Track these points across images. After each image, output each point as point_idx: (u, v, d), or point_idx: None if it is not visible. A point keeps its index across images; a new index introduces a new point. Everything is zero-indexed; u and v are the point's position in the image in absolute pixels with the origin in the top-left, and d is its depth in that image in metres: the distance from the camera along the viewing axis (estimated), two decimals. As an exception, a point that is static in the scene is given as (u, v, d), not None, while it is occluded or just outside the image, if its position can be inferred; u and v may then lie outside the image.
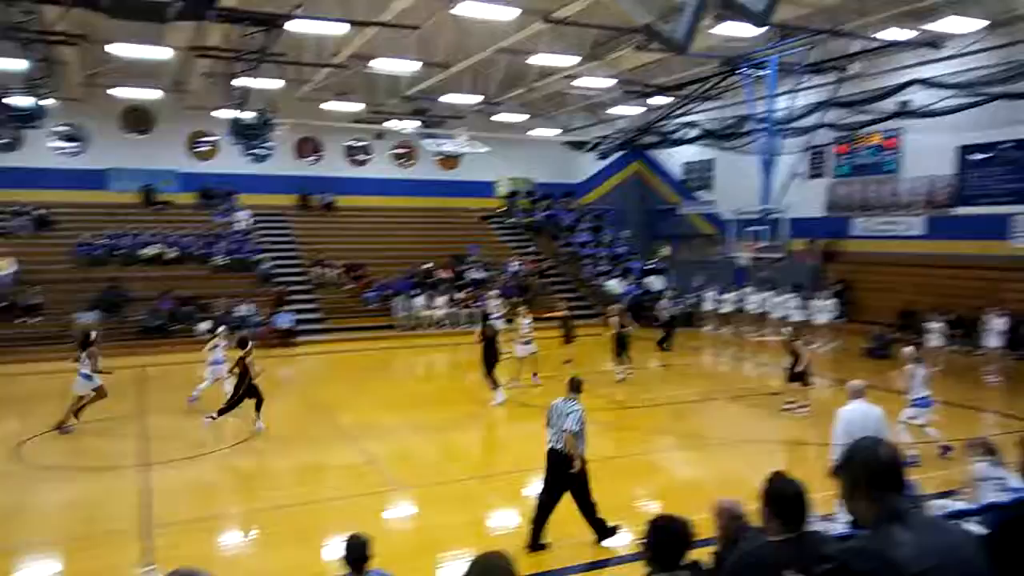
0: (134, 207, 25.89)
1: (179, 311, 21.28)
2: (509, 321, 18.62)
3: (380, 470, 9.99)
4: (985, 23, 15.33)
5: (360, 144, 29.85)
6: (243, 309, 21.69)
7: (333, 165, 29.48)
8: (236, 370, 11.94)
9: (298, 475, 10.09)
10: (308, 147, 29.11)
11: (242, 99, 20.99)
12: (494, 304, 22.17)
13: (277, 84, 21.13)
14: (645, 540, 3.38)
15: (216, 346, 13.71)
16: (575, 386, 7.53)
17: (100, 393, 12.21)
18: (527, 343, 15.05)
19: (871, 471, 2.19)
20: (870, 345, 18.64)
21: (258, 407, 11.80)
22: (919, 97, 18.34)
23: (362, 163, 30.13)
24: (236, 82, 19.89)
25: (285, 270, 24.65)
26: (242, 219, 26.19)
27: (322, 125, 26.31)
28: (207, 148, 27.75)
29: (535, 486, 9.78)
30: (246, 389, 11.75)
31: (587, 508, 7.26)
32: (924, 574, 1.92)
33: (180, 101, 24.81)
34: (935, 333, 16.56)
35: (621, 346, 15.74)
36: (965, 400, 13.59)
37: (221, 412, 11.74)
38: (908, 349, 10.46)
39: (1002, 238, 18.79)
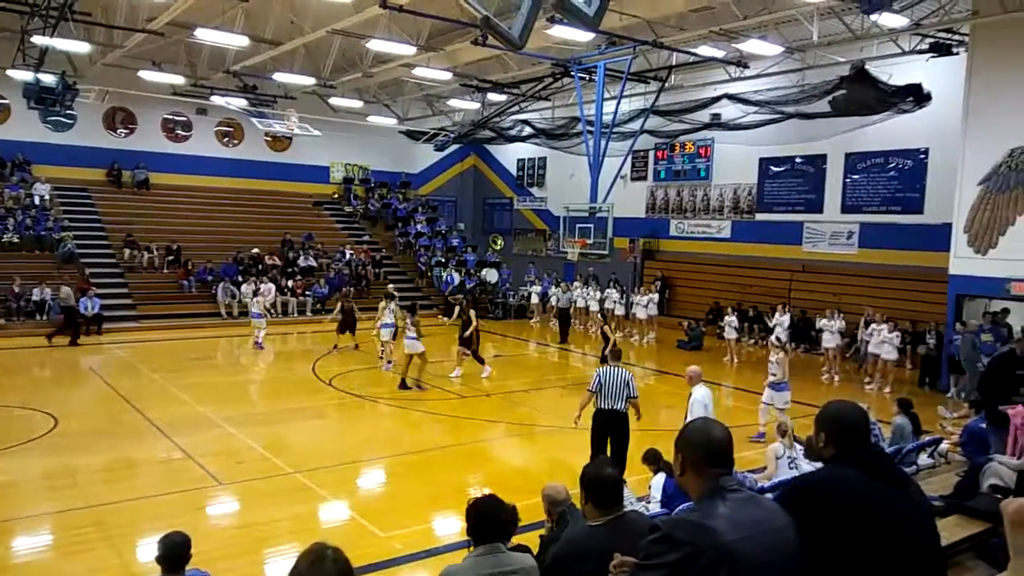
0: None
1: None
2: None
3: (198, 465, 9.46)
4: (782, 48, 17.08)
5: (180, 119, 27.76)
6: (39, 292, 19.61)
7: (149, 139, 27.08)
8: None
9: (105, 472, 9.32)
10: (120, 118, 26.63)
11: (40, 59, 18.81)
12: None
13: (83, 47, 19.12)
14: (466, 522, 3.49)
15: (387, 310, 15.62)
16: (616, 355, 8.97)
17: None
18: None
19: (702, 449, 2.36)
20: (682, 338, 20.29)
21: None
22: (728, 111, 20.07)
23: (182, 139, 28.03)
24: (33, 40, 17.79)
25: (91, 251, 22.50)
26: (40, 192, 23.55)
27: (137, 95, 24.16)
28: (-5, 111, 24.58)
29: (364, 477, 9.80)
30: None
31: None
32: (737, 542, 2.13)
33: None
34: (729, 327, 18.36)
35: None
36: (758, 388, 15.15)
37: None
38: (774, 339, 11.83)
39: (796, 243, 21.07)
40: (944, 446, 7.69)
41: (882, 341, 15.18)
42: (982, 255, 14.83)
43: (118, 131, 26.68)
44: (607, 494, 3.04)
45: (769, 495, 2.97)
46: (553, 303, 22.90)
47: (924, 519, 2.66)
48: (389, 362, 15.69)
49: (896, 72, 16.64)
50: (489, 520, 3.40)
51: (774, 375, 11.29)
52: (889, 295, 18.06)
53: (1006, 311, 14.54)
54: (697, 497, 2.30)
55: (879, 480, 2.55)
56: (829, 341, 16.38)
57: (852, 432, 2.64)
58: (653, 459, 7.19)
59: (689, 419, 8.23)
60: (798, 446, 7.93)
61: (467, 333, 15.16)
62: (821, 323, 16.75)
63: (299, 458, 9.86)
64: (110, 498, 8.29)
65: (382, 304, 16.07)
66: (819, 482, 2.65)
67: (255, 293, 20.63)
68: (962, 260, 15.15)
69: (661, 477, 6.86)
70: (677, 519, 2.41)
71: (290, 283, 23.67)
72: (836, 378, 16.14)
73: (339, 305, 18.78)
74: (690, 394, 8.55)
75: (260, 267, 23.77)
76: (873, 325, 15.63)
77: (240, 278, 22.65)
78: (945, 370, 15.20)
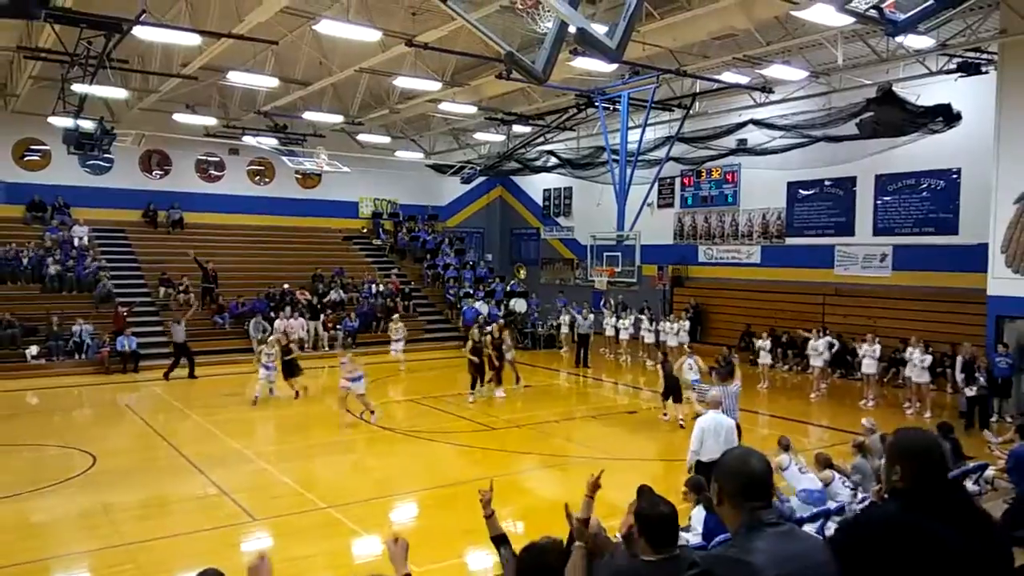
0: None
1: (3, 334, 19.34)
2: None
3: (232, 502, 9.51)
4: (807, 73, 17.03)
5: (213, 159, 28.44)
6: (78, 329, 20.06)
7: (183, 180, 27.79)
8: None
9: (142, 510, 9.40)
10: (155, 160, 27.36)
11: (80, 106, 19.46)
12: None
13: (120, 93, 19.76)
14: (516, 568, 3.45)
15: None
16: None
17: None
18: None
19: (739, 481, 2.30)
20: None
21: None
22: (754, 136, 20.02)
23: (215, 179, 28.69)
24: (74, 88, 18.43)
25: (127, 290, 22.99)
26: (79, 234, 24.19)
27: (171, 137, 24.84)
28: (38, 158, 25.40)
29: (397, 511, 9.76)
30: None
31: None
32: None
33: (6, 106, 22.66)
34: (764, 352, 18.08)
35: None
36: (792, 414, 14.88)
37: None
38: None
39: (827, 266, 20.79)
40: (990, 472, 7.46)
41: (915, 366, 14.87)
42: (1021, 275, 14.49)
43: (153, 173, 27.42)
44: (662, 533, 2.99)
45: (810, 525, 2.89)
46: (575, 328, 22.86)
47: (1001, 565, 2.46)
48: (372, 412, 14.29)
49: (925, 92, 16.48)
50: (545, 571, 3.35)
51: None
52: (925, 317, 17.70)
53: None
54: (735, 530, 2.25)
55: (952, 524, 2.36)
56: (869, 367, 16.03)
57: (932, 467, 2.44)
58: (696, 487, 6.96)
59: (695, 445, 8.27)
60: (801, 457, 8.48)
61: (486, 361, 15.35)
62: (861, 349, 16.33)
63: (331, 493, 9.87)
64: (145, 535, 8.35)
65: (349, 356, 14.49)
66: (884, 522, 2.45)
67: (265, 332, 20.71)
68: (1000, 281, 14.81)
69: (702, 511, 6.69)
70: (716, 555, 2.36)
71: (321, 317, 23.91)
72: (871, 404, 15.76)
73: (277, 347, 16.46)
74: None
75: (291, 301, 24.04)
76: (909, 349, 15.30)
77: (272, 314, 22.95)
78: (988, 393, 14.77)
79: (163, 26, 14.32)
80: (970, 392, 13.75)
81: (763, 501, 2.27)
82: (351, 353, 14.62)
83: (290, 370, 16.30)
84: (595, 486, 3.74)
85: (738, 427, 8.70)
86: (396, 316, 23.25)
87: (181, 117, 23.00)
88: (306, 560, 7.71)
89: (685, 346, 20.96)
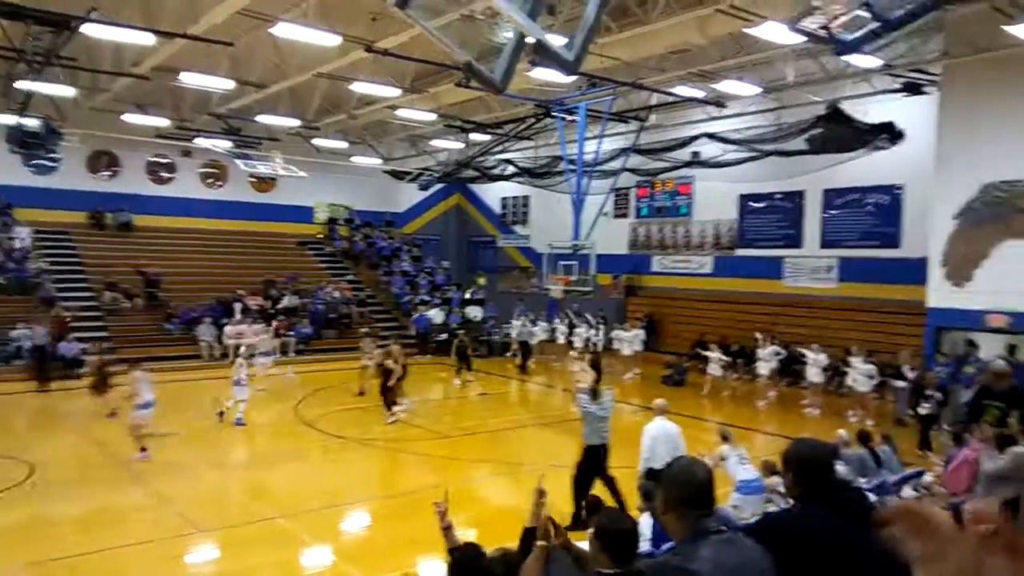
0: None
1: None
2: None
3: (177, 512, 9.28)
4: (759, 88, 17.48)
5: (164, 161, 27.80)
6: (18, 335, 19.39)
7: (132, 182, 27.07)
8: None
9: (82, 522, 9.11)
10: (103, 161, 26.62)
11: (24, 104, 18.86)
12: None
13: (68, 91, 19.21)
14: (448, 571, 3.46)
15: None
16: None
17: None
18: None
19: (685, 490, 2.36)
20: (666, 374, 20.29)
21: None
22: (708, 149, 20.42)
23: (166, 181, 28.04)
24: (18, 85, 17.85)
25: (72, 294, 22.30)
26: (20, 236, 23.38)
27: (120, 138, 24.21)
28: (-23, 156, 24.47)
29: (348, 521, 9.65)
30: None
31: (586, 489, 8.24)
32: None
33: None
34: (712, 363, 18.42)
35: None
36: (739, 421, 15.16)
37: None
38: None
39: (777, 277, 21.29)
40: (927, 478, 7.72)
41: (858, 375, 15.34)
42: (959, 288, 15.05)
43: (101, 173, 26.67)
44: (623, 548, 2.96)
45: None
46: (514, 335, 23.42)
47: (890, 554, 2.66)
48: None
49: (872, 110, 17.04)
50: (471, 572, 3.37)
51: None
52: (869, 328, 18.24)
53: (971, 343, 14.79)
54: (680, 538, 2.31)
55: (844, 518, 2.58)
56: (814, 376, 16.46)
57: (818, 471, 2.70)
58: (647, 495, 7.02)
59: (646, 453, 8.36)
60: (742, 448, 8.73)
61: (389, 383, 14.56)
62: (808, 357, 16.76)
63: (281, 502, 9.71)
64: (85, 548, 8.09)
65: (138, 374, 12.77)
66: (788, 521, 2.72)
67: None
68: (940, 293, 15.37)
69: (650, 518, 6.77)
70: (661, 563, 2.41)
71: (273, 323, 23.52)
72: (817, 411, 16.16)
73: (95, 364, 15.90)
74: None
75: (243, 309, 23.58)
76: (851, 358, 15.78)
77: (224, 319, 22.51)
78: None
79: (114, 24, 13.98)
80: (923, 410, 13.71)
81: (707, 509, 2.33)
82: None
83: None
84: (541, 492, 3.76)
85: (606, 448, 8.66)
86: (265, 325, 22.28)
87: (131, 117, 22.45)
88: (254, 571, 7.58)
89: (638, 355, 21.38)
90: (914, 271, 16.58)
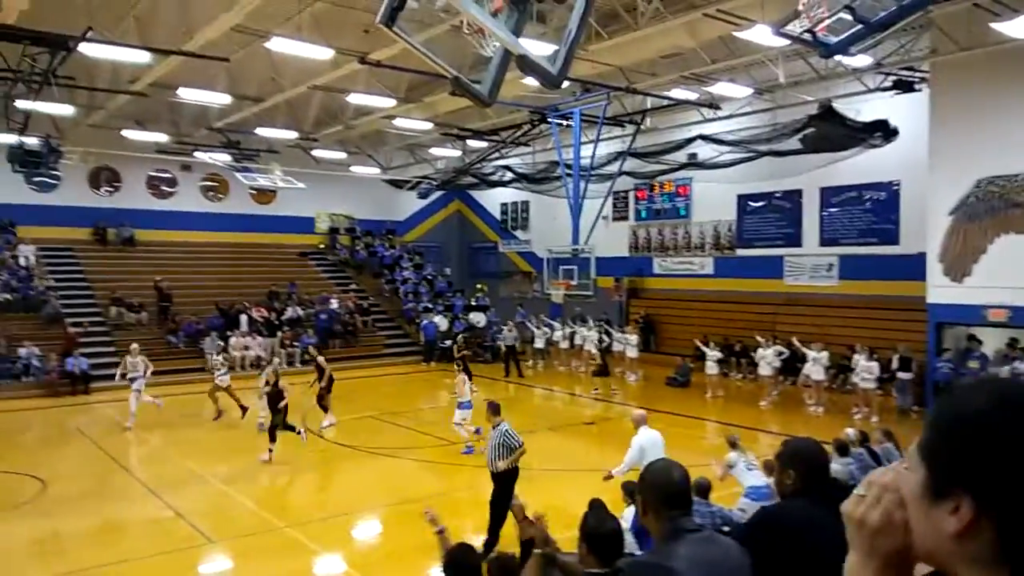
0: None
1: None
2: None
3: (189, 524, 9.42)
4: (751, 90, 17.60)
5: (164, 175, 28.00)
6: (26, 352, 19.56)
7: (133, 197, 27.28)
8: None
9: (95, 536, 9.26)
10: (104, 177, 26.82)
11: (24, 123, 19.05)
12: None
13: (66, 109, 19.41)
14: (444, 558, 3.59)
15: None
16: (495, 409, 8.92)
17: None
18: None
19: (661, 492, 2.47)
20: (671, 375, 20.38)
21: None
22: (704, 151, 20.52)
23: (167, 195, 28.24)
24: (18, 105, 18.05)
25: (77, 309, 22.47)
26: (25, 254, 23.59)
27: (121, 154, 24.40)
28: (-21, 176, 24.67)
29: (358, 529, 9.77)
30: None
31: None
32: None
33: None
34: (711, 361, 18.49)
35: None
36: (743, 422, 15.25)
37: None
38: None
39: (777, 277, 21.38)
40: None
41: (860, 372, 15.44)
42: (958, 283, 15.14)
43: (102, 190, 26.88)
44: (609, 549, 3.06)
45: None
46: (501, 342, 23.54)
47: None
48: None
49: (865, 108, 17.15)
50: (464, 570, 3.49)
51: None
52: (871, 325, 18.31)
53: (973, 337, 14.89)
54: (658, 538, 2.43)
55: (828, 506, 2.68)
56: (817, 374, 16.53)
57: (821, 469, 2.80)
58: (630, 492, 7.23)
59: (635, 461, 8.40)
60: (750, 454, 8.71)
61: (323, 383, 15.03)
62: (809, 355, 16.84)
63: (291, 512, 9.84)
64: (98, 561, 8.23)
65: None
66: (774, 513, 2.80)
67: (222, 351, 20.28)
68: (939, 289, 15.46)
69: (631, 510, 6.95)
70: (638, 561, 2.54)
71: (279, 334, 23.68)
72: (821, 410, 16.24)
73: None
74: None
75: (249, 320, 23.73)
76: (856, 356, 15.86)
77: (228, 331, 22.67)
78: (931, 397, 15.37)
79: (111, 43, 14.17)
80: None
81: (683, 510, 2.45)
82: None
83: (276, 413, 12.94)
84: (523, 518, 3.87)
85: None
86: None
87: (131, 133, 22.65)
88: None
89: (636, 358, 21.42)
90: (913, 267, 16.66)
